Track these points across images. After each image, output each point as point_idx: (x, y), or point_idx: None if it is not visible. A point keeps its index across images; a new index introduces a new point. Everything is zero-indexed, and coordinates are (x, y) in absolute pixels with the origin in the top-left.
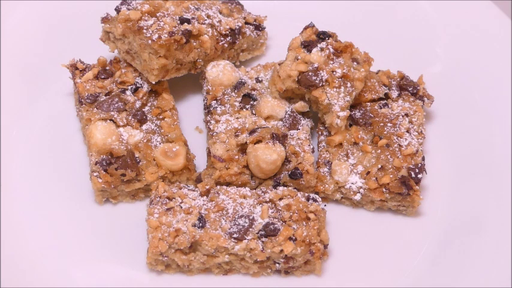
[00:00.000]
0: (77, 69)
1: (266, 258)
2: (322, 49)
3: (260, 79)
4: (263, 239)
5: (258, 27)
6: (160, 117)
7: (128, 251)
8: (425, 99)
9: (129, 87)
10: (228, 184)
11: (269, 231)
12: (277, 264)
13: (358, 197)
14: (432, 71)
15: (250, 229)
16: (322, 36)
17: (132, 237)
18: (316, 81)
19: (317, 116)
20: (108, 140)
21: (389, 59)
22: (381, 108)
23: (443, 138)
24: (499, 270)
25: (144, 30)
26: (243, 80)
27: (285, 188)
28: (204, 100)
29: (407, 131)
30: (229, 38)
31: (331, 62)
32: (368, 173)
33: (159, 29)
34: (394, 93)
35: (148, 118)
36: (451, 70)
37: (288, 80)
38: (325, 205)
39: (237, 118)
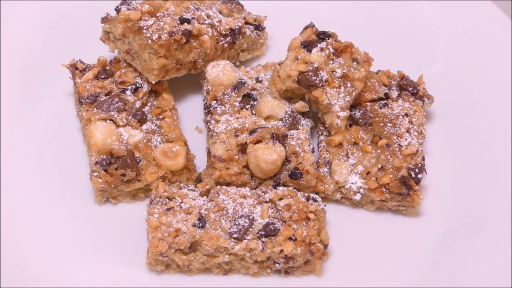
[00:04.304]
0: (77, 69)
1: (266, 258)
2: (322, 49)
3: (260, 79)
4: (263, 239)
5: (258, 27)
6: (160, 117)
7: (128, 251)
8: (425, 99)
9: (129, 87)
10: (228, 184)
11: (269, 231)
12: (277, 264)
13: (358, 197)
14: (432, 71)
15: (250, 229)
16: (322, 36)
17: (132, 237)
18: (316, 81)
19: (317, 116)
20: (108, 140)
21: (389, 59)
22: (381, 108)
23: (443, 138)
24: (499, 270)
25: (144, 30)
26: (243, 80)
27: (285, 188)
28: (204, 100)
29: (407, 131)
30: (229, 38)
31: (331, 62)
32: (368, 173)
33: (159, 29)
34: (394, 93)
35: (148, 118)
36: (451, 70)
37: (288, 80)
38: (325, 205)
39: (237, 118)
